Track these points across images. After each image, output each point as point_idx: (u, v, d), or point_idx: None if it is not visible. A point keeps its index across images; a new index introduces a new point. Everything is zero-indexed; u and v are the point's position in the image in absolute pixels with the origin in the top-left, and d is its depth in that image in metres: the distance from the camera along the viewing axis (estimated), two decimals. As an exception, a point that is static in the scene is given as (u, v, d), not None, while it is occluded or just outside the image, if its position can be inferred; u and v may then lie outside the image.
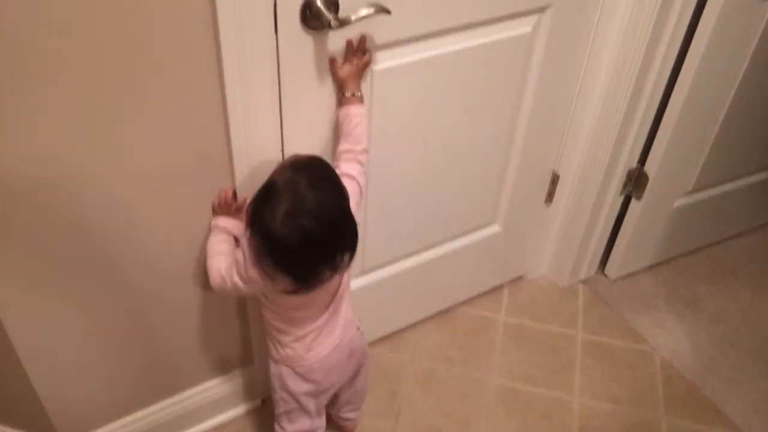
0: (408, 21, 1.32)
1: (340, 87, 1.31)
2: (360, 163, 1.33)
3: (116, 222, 1.25)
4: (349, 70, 1.28)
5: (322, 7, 1.15)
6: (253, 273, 1.22)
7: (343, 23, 1.15)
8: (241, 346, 1.65)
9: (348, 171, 1.30)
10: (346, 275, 1.35)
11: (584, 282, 2.21)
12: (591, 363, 1.94)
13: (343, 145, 1.32)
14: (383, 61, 1.35)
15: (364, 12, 1.17)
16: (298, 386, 1.40)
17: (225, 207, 1.35)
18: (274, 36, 1.17)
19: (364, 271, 1.75)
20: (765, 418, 1.81)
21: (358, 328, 1.46)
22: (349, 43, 1.25)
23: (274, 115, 1.28)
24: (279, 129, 1.31)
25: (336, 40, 1.24)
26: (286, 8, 1.15)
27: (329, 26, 1.15)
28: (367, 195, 1.55)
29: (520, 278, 2.20)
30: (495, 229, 1.96)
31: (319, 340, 1.36)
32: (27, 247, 1.19)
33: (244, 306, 1.55)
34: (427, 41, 1.39)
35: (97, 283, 1.31)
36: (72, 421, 1.48)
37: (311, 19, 1.17)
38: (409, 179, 1.62)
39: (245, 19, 1.11)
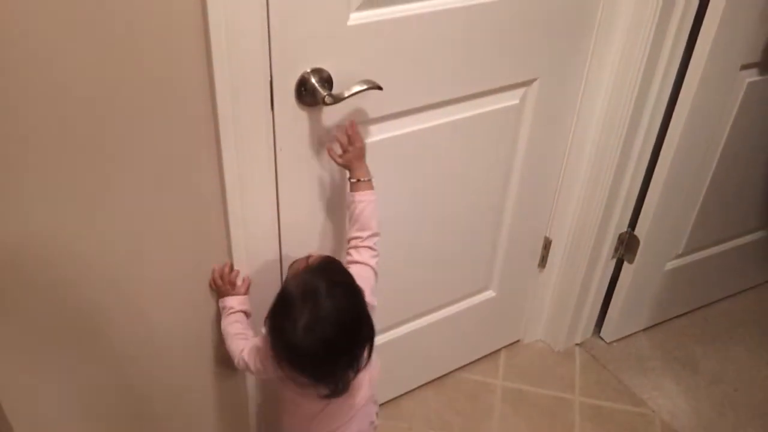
0: (399, 96, 1.38)
1: (348, 172, 1.35)
2: (369, 248, 1.34)
3: (109, 301, 1.27)
4: (348, 158, 1.31)
5: (317, 84, 1.21)
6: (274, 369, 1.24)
7: (337, 99, 1.21)
8: (239, 424, 1.65)
9: (359, 258, 1.32)
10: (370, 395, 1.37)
11: (580, 345, 2.23)
12: (590, 427, 1.95)
13: (351, 232, 1.34)
14: (375, 135, 1.40)
15: (356, 88, 1.23)
16: None
17: (224, 285, 1.37)
18: (271, 112, 1.22)
19: (361, 339, 1.76)
20: (766, 480, 1.82)
21: (372, 423, 1.46)
22: (340, 137, 1.31)
23: (271, 189, 1.32)
24: (275, 202, 1.35)
25: (330, 116, 1.30)
26: (282, 86, 1.21)
27: (324, 102, 1.20)
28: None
29: (516, 342, 2.22)
30: (489, 294, 1.99)
31: (320, 420, 1.35)
32: (21, 324, 1.20)
33: (243, 384, 1.57)
34: (418, 114, 1.45)
35: (91, 359, 1.32)
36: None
37: (306, 95, 1.22)
38: (403, 248, 1.66)
39: (242, 95, 1.16)
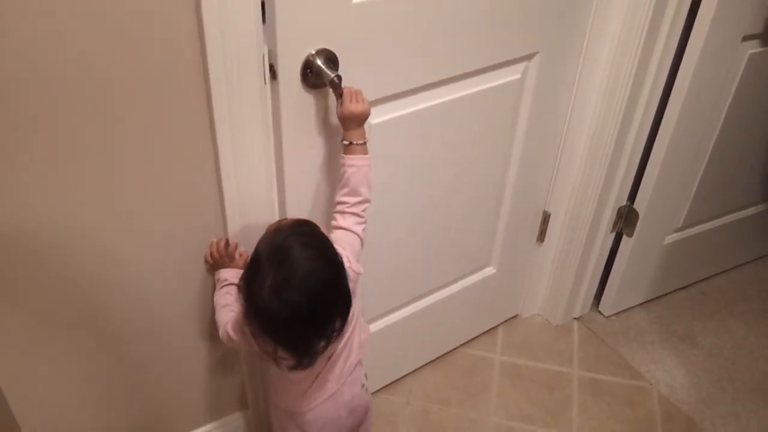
0: (405, 75, 1.42)
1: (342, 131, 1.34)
2: (356, 215, 1.34)
3: (108, 275, 1.31)
4: (343, 112, 1.30)
5: (323, 66, 1.24)
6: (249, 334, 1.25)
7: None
8: (235, 391, 1.70)
9: (343, 224, 1.33)
10: (345, 334, 1.35)
11: (579, 319, 2.30)
12: (588, 400, 2.03)
13: (339, 196, 1.35)
14: (379, 115, 1.43)
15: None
16: None
17: (220, 258, 1.40)
18: (265, 91, 1.25)
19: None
20: (764, 451, 1.91)
21: (363, 386, 1.47)
22: (344, 94, 1.30)
23: (269, 172, 1.36)
24: (273, 183, 1.39)
25: (335, 98, 1.32)
26: (287, 68, 1.24)
27: (331, 84, 1.24)
28: (365, 247, 1.64)
29: (514, 317, 2.29)
30: (490, 271, 2.06)
31: (311, 391, 1.38)
32: (18, 301, 1.24)
33: (237, 351, 1.61)
34: (422, 93, 1.49)
35: (90, 332, 1.37)
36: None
37: (312, 77, 1.26)
38: (406, 229, 1.71)
39: (235, 75, 1.19)
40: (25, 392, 1.36)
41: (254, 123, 1.27)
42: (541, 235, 2.11)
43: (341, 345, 1.36)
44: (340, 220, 1.34)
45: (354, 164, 1.32)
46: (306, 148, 1.38)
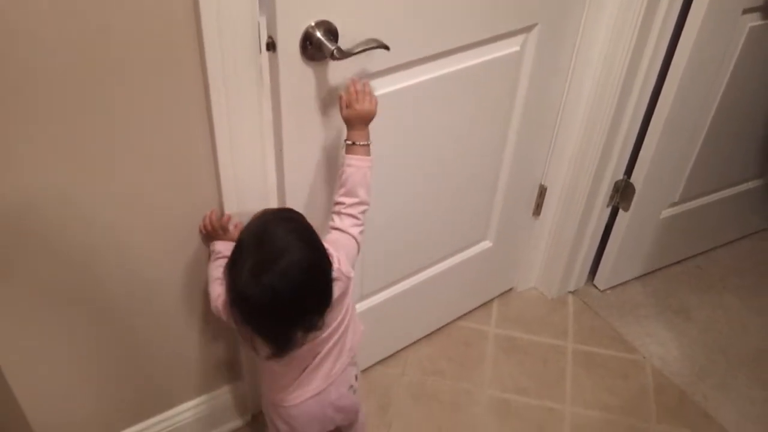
0: (404, 48, 1.41)
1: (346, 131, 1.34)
2: (352, 216, 1.32)
3: (103, 246, 1.31)
4: (349, 114, 1.30)
5: (323, 38, 1.23)
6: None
7: (346, 54, 1.23)
8: (230, 362, 1.71)
9: (339, 225, 1.32)
10: (335, 334, 1.35)
11: (574, 293, 2.32)
12: (582, 373, 2.05)
13: (337, 196, 1.34)
14: (380, 88, 1.42)
15: (364, 46, 1.25)
16: (279, 425, 1.44)
17: (213, 230, 1.40)
18: (262, 62, 1.24)
19: (362, 297, 1.83)
20: (756, 423, 1.93)
21: (351, 387, 1.46)
22: (344, 92, 1.30)
23: (262, 146, 1.35)
24: (269, 159, 1.39)
25: (337, 71, 1.32)
26: (286, 40, 1.22)
27: (332, 57, 1.23)
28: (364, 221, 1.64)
29: (509, 291, 2.30)
30: (486, 245, 2.07)
31: (296, 387, 1.37)
32: (13, 274, 1.24)
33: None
34: (422, 66, 1.48)
35: (85, 305, 1.37)
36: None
37: (312, 49, 1.25)
38: (402, 202, 1.71)
39: (230, 45, 1.18)
40: (21, 366, 1.37)
41: (251, 93, 1.27)
42: (538, 209, 2.12)
43: (330, 344, 1.35)
44: (336, 221, 1.33)
45: (353, 164, 1.31)
46: (306, 121, 1.37)
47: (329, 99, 1.36)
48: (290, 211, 1.27)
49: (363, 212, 1.34)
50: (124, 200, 1.28)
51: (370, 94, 1.31)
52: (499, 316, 2.23)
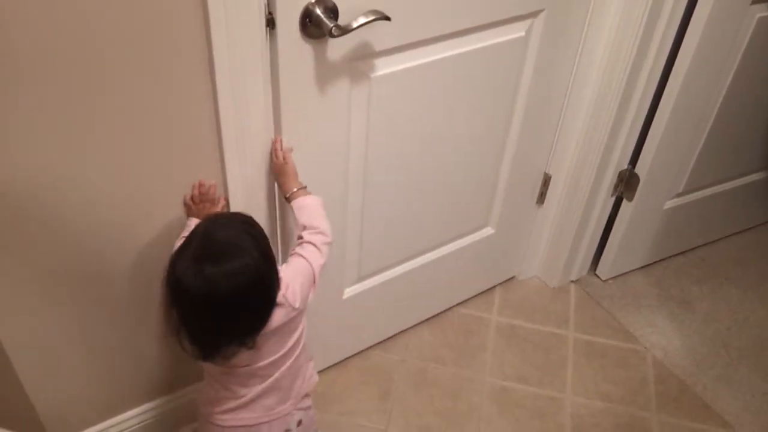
0: (406, 28, 1.39)
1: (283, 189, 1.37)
2: (312, 243, 1.29)
3: (99, 224, 1.29)
4: (274, 172, 1.35)
5: (322, 15, 1.21)
6: None
7: (345, 31, 1.21)
8: None
9: (298, 250, 1.29)
10: (279, 367, 1.30)
11: (576, 282, 2.30)
12: (583, 362, 2.03)
13: (297, 232, 1.34)
14: (381, 68, 1.41)
15: (363, 19, 1.23)
16: None
17: (201, 203, 1.36)
18: (266, 44, 1.22)
19: (360, 278, 1.82)
20: (755, 415, 1.91)
21: (289, 431, 1.38)
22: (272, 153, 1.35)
23: (267, 124, 1.34)
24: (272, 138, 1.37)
25: (336, 49, 1.31)
26: (286, 18, 1.21)
27: (331, 34, 1.21)
28: (363, 203, 1.63)
29: (511, 279, 2.29)
30: (488, 231, 2.05)
31: (228, 408, 1.32)
32: (12, 252, 1.23)
33: None
34: (424, 47, 1.46)
35: (86, 285, 1.36)
36: (62, 421, 1.53)
37: (311, 27, 1.23)
38: (406, 185, 1.69)
39: (235, 23, 1.16)
40: (22, 340, 1.36)
41: (255, 70, 1.24)
42: (541, 197, 2.10)
43: (273, 379, 1.30)
44: (297, 249, 1.31)
45: (299, 204, 1.34)
46: (304, 100, 1.35)
47: (328, 78, 1.35)
48: (250, 217, 1.23)
49: (325, 244, 1.31)
50: (124, 179, 1.26)
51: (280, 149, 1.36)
52: (501, 304, 2.21)
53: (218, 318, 1.12)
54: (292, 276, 1.23)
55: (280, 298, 1.19)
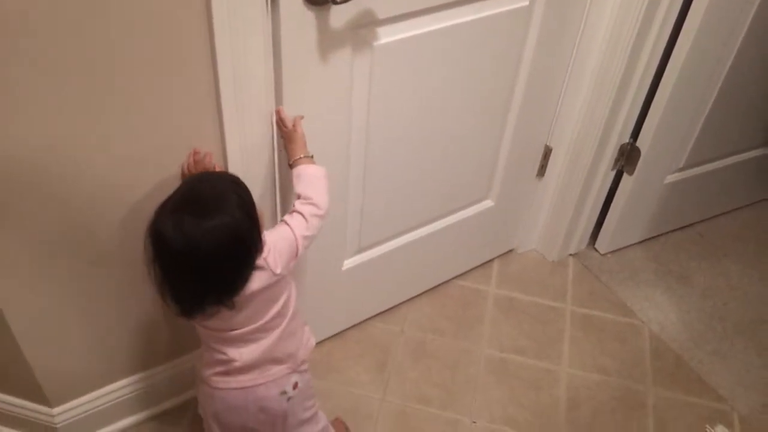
0: None
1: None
2: (300, 214, 1.29)
3: (98, 189, 1.28)
4: (284, 139, 1.34)
5: None
6: None
7: None
8: None
9: (287, 219, 1.28)
10: (270, 332, 1.30)
11: (574, 256, 2.30)
12: (580, 335, 2.04)
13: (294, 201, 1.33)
14: (384, 36, 1.39)
15: None
16: (201, 399, 1.41)
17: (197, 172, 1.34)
18: (268, 11, 1.20)
19: (360, 250, 1.81)
20: (749, 389, 1.92)
21: (284, 393, 1.36)
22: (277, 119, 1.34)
23: (268, 93, 1.32)
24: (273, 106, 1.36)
25: (339, 16, 1.29)
26: None
27: (333, 1, 1.19)
28: (365, 174, 1.62)
29: (510, 252, 2.28)
30: (488, 204, 2.04)
31: (223, 372, 1.32)
32: (6, 217, 1.22)
33: None
34: (427, 16, 1.44)
35: (84, 257, 1.36)
36: (61, 387, 1.54)
37: None
38: (407, 156, 1.68)
39: None
40: (23, 309, 1.36)
41: (256, 37, 1.22)
42: (542, 170, 2.08)
43: (263, 346, 1.29)
44: (287, 217, 1.30)
45: (299, 172, 1.32)
46: (306, 69, 1.33)
47: (330, 46, 1.33)
48: (239, 179, 1.22)
49: (314, 216, 1.30)
50: (122, 150, 1.25)
51: (284, 118, 1.34)
52: (499, 276, 2.21)
53: (196, 272, 1.12)
54: (274, 241, 1.22)
55: (261, 261, 1.18)
